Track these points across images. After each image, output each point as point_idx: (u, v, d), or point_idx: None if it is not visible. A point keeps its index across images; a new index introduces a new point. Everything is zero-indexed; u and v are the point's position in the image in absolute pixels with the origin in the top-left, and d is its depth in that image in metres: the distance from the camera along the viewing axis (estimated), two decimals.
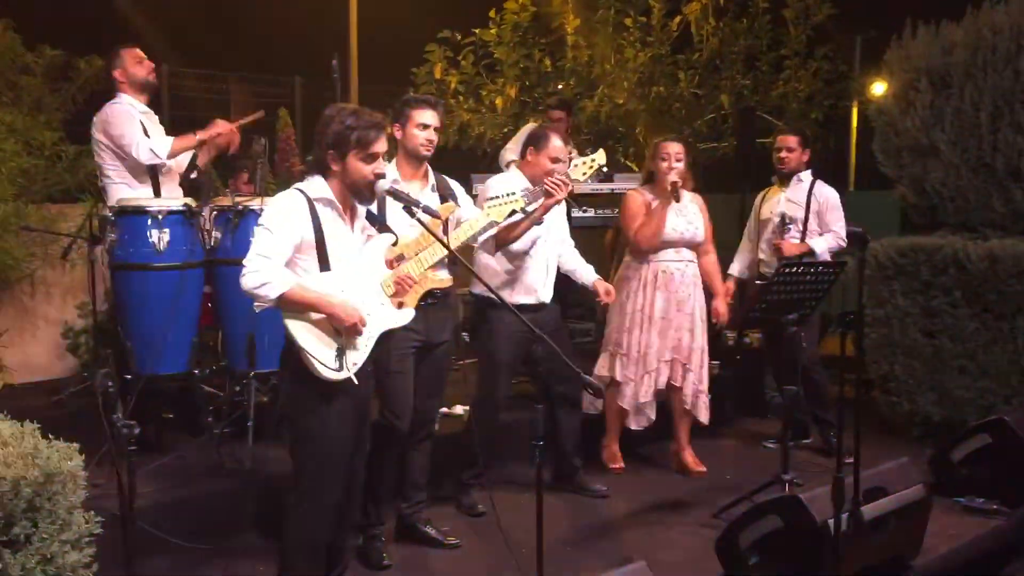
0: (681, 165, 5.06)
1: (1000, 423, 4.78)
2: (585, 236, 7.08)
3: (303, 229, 3.27)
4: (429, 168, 4.14)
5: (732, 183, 8.27)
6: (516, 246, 4.55)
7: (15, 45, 6.64)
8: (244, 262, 3.21)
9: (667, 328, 5.14)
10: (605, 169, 4.60)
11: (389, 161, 4.04)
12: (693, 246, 5.23)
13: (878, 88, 9.25)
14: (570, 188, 4.42)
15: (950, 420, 5.71)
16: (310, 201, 3.30)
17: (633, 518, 4.76)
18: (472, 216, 4.07)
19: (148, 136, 4.81)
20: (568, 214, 6.42)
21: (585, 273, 4.95)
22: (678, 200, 4.97)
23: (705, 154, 8.89)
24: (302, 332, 3.26)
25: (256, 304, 3.26)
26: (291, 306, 3.24)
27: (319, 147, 3.36)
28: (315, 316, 3.27)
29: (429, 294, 3.97)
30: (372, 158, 3.32)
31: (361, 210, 3.51)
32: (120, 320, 4.69)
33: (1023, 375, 5.60)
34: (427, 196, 4.03)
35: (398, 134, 4.03)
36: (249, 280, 3.17)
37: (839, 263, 4.82)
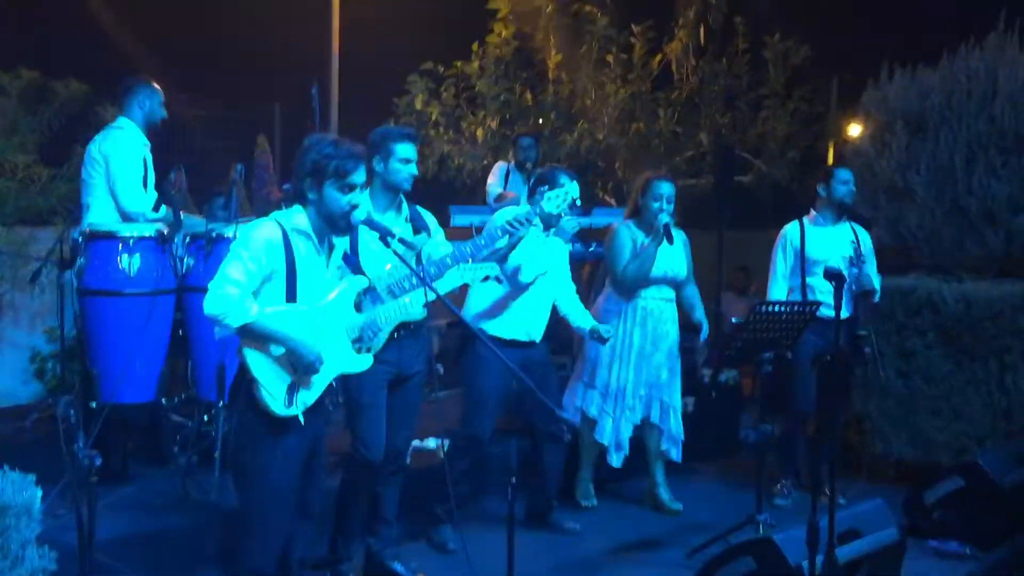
0: (672, 207, 5.05)
1: (974, 466, 4.78)
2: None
3: (275, 260, 3.22)
4: (403, 199, 4.11)
5: (709, 220, 8.31)
6: (520, 277, 4.52)
7: None
8: (210, 285, 3.16)
9: (643, 364, 5.11)
10: (578, 202, 4.56)
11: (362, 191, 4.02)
12: (675, 285, 5.22)
13: (854, 130, 9.36)
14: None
15: (924, 462, 5.70)
16: (285, 232, 3.26)
17: (606, 557, 4.70)
18: (444, 248, 4.02)
19: (147, 175, 4.75)
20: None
21: (581, 320, 4.88)
22: (671, 242, 4.95)
23: (684, 191, 8.92)
24: (259, 363, 3.22)
25: (217, 329, 3.22)
26: (252, 336, 3.20)
27: (296, 175, 3.32)
28: (275, 349, 3.23)
29: (402, 326, 3.92)
30: (349, 188, 3.28)
31: (338, 247, 3.46)
32: (86, 347, 4.61)
33: (997, 417, 5.63)
34: (401, 226, 4.00)
35: (379, 167, 3.98)
36: (213, 305, 3.13)
37: (814, 302, 4.82)
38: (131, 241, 4.46)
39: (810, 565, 3.34)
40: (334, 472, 4.84)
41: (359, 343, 3.49)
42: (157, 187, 5.03)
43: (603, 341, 4.80)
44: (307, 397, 3.31)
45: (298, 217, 3.30)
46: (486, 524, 4.74)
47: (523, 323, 4.67)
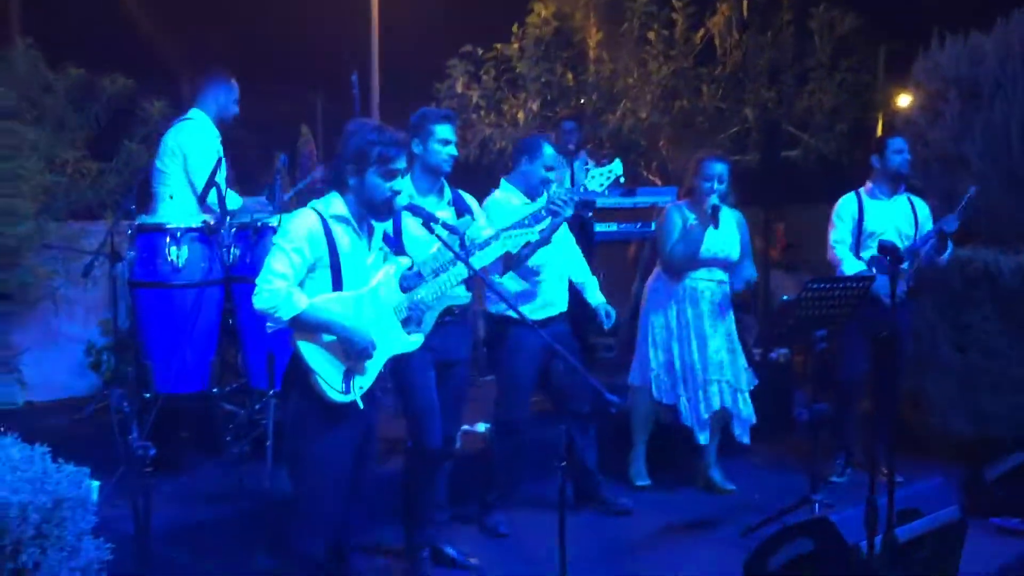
0: (724, 187, 4.97)
1: None
2: (608, 250, 7.03)
3: (318, 249, 3.23)
4: (445, 183, 4.09)
5: (756, 196, 8.18)
6: (530, 263, 4.49)
7: (38, 64, 6.67)
8: (257, 281, 3.19)
9: (704, 346, 5.05)
10: (622, 180, 4.52)
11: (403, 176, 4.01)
12: (726, 266, 5.14)
13: (903, 100, 9.14)
14: (591, 203, 4.36)
15: (983, 437, 5.58)
16: (325, 220, 3.26)
17: (658, 536, 4.69)
18: (487, 232, 3.99)
19: (222, 170, 4.79)
20: (591, 228, 6.34)
21: (592, 293, 4.87)
22: (716, 226, 4.88)
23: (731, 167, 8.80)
24: (312, 353, 3.23)
25: (268, 324, 3.23)
26: (303, 327, 3.21)
27: (339, 161, 3.32)
28: (327, 338, 3.23)
29: (447, 311, 3.91)
30: (391, 175, 3.28)
31: (378, 228, 3.46)
32: (139, 339, 4.66)
33: None
34: (444, 210, 3.99)
35: (418, 149, 3.97)
36: (262, 300, 3.15)
37: (867, 277, 4.72)
38: (178, 233, 4.50)
39: (869, 545, 3.27)
40: (386, 459, 4.89)
41: (408, 324, 3.48)
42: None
43: (608, 320, 4.77)
44: (363, 382, 3.32)
45: (336, 204, 3.30)
46: (535, 508, 4.75)
47: (547, 299, 4.63)
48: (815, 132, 8.67)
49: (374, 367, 3.36)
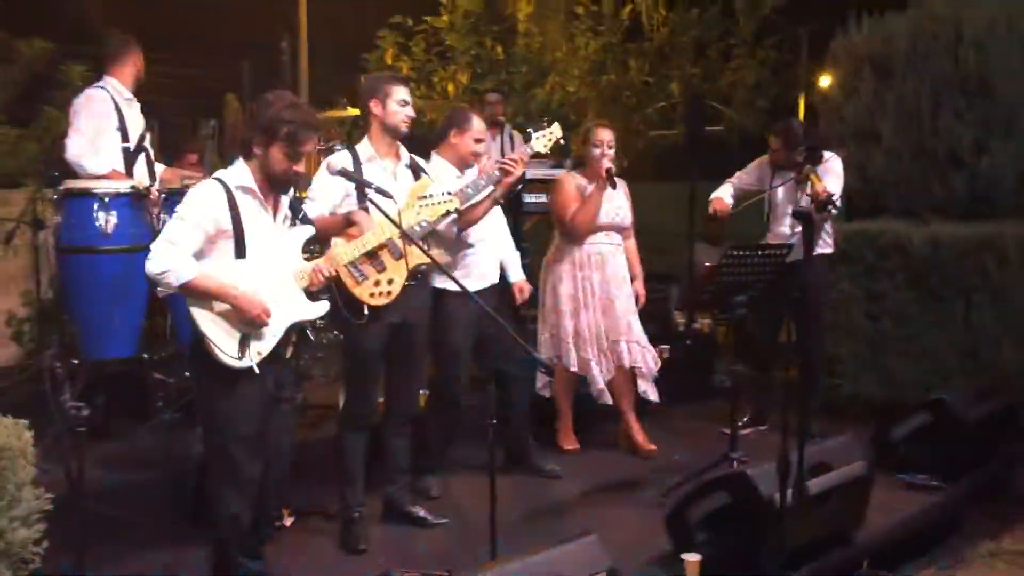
0: (612, 152, 5.14)
1: (940, 403, 4.91)
2: (536, 220, 7.14)
3: (219, 218, 3.28)
4: (401, 145, 4.15)
5: (681, 170, 8.36)
6: (469, 237, 4.58)
7: None
8: (152, 247, 3.24)
9: (610, 308, 5.21)
10: (563, 141, 4.67)
11: (360, 139, 4.10)
12: (621, 231, 5.32)
13: (824, 81, 9.42)
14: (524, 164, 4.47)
15: (892, 401, 5.84)
16: (228, 190, 3.31)
17: (584, 498, 4.82)
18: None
19: (124, 126, 4.77)
20: (520, 199, 6.44)
21: (513, 270, 4.99)
22: (614, 187, 5.06)
23: (655, 142, 8.99)
24: (205, 320, 3.29)
25: (159, 289, 3.30)
26: (194, 294, 3.27)
27: (248, 129, 3.38)
28: (220, 305, 3.29)
29: (411, 274, 3.98)
30: (297, 156, 3.33)
31: (286, 199, 3.50)
32: (66, 304, 4.62)
33: (963, 357, 5.77)
34: (401, 172, 4.07)
35: (377, 110, 4.02)
36: (152, 266, 3.21)
37: (785, 245, 4.91)
38: (107, 198, 4.46)
39: (781, 497, 3.45)
40: (321, 425, 4.95)
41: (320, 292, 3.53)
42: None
43: (522, 296, 4.96)
44: (261, 347, 3.37)
45: (242, 173, 3.36)
46: (467, 471, 4.86)
47: (481, 270, 4.74)
48: (737, 108, 8.90)
49: (273, 333, 3.40)
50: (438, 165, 4.63)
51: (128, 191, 4.55)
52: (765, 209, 5.74)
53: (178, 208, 3.32)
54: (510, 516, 4.32)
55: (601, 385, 5.23)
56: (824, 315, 5.79)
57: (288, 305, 3.43)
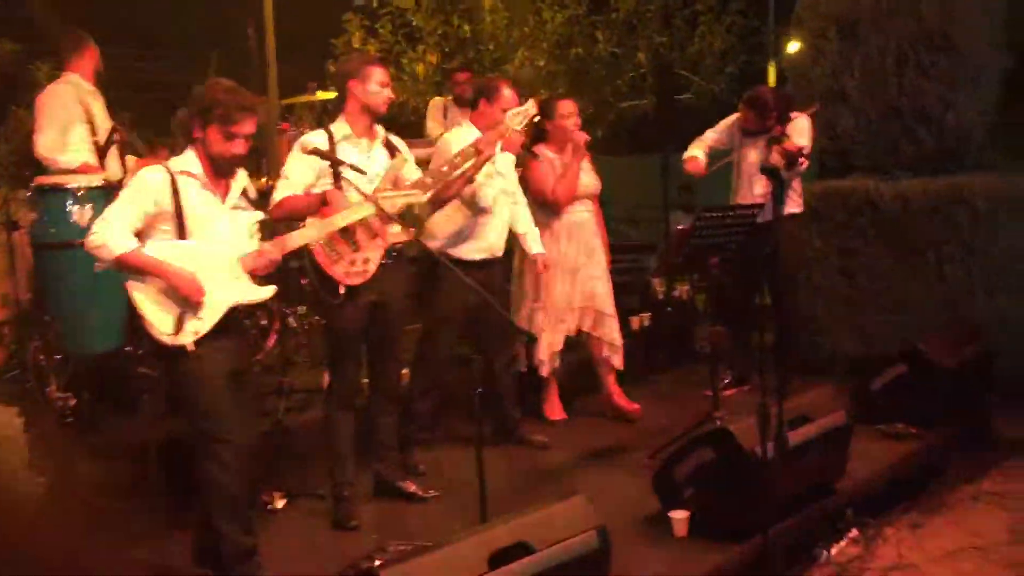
0: (579, 120, 5.22)
1: (915, 351, 5.00)
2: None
3: (159, 200, 3.37)
4: (378, 125, 4.18)
5: (653, 141, 8.42)
6: (481, 203, 4.63)
7: None
8: (94, 224, 3.35)
9: (579, 276, 5.28)
10: (537, 118, 4.70)
11: (335, 118, 4.12)
12: (593, 198, 5.38)
13: (793, 47, 9.48)
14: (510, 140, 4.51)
15: (870, 356, 5.93)
16: (172, 174, 3.40)
17: (573, 464, 4.88)
18: (416, 174, 4.12)
19: (92, 119, 4.76)
20: None
21: (532, 241, 5.06)
22: (588, 156, 5.12)
23: (625, 112, 9.03)
24: (140, 296, 3.37)
25: (96, 264, 3.37)
26: (129, 269, 3.36)
27: (189, 115, 3.46)
28: (158, 282, 3.36)
29: (387, 251, 4.02)
30: (232, 136, 3.40)
31: (238, 184, 3.55)
32: (45, 300, 4.62)
33: (938, 308, 5.87)
34: (378, 151, 4.11)
35: (357, 90, 4.06)
36: (89, 240, 3.33)
37: (755, 205, 4.97)
38: (80, 192, 4.46)
39: (763, 449, 3.52)
40: (307, 409, 4.98)
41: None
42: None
43: (545, 271, 5.04)
44: (199, 326, 3.41)
45: (188, 158, 3.45)
46: (453, 444, 4.92)
47: (487, 241, 4.80)
48: (706, 75, 8.94)
49: (212, 313, 3.44)
50: (469, 132, 4.67)
51: (101, 184, 4.55)
52: (733, 174, 5.81)
53: (121, 190, 3.44)
54: (499, 486, 4.36)
55: (542, 356, 5.29)
56: (797, 275, 5.88)
57: (230, 286, 3.49)
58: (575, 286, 5.29)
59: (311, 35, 8.62)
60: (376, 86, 4.07)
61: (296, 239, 3.66)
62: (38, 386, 2.76)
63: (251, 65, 5.75)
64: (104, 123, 4.95)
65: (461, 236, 4.74)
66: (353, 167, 3.53)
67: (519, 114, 4.52)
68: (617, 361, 5.43)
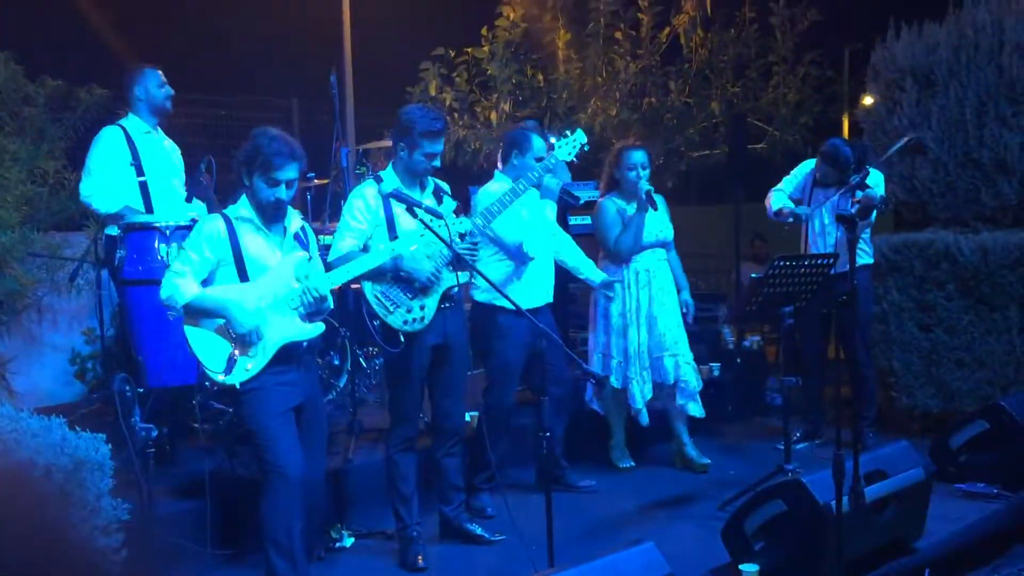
0: (648, 173, 5.20)
1: (998, 408, 4.87)
2: (583, 243, 7.20)
3: (220, 249, 3.56)
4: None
5: (725, 191, 8.37)
6: (528, 252, 4.66)
7: (17, 76, 6.74)
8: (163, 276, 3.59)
9: (654, 326, 5.25)
10: (587, 148, 4.74)
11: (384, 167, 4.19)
12: (664, 245, 5.37)
13: (868, 100, 9.40)
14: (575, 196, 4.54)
15: (948, 413, 5.79)
16: (229, 221, 3.58)
17: (640, 513, 4.85)
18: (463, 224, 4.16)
19: (139, 160, 4.96)
20: (567, 213, 6.46)
21: (589, 272, 5.10)
22: (655, 208, 5.13)
23: (698, 162, 9.01)
24: (196, 337, 3.56)
25: (170, 313, 3.61)
26: (193, 313, 3.55)
27: (238, 163, 3.64)
28: (211, 323, 3.54)
29: (446, 297, 4.07)
30: (274, 182, 3.54)
31: (293, 224, 3.68)
32: (130, 336, 4.76)
33: (1019, 365, 5.71)
34: (427, 199, 4.14)
35: (403, 153, 4.08)
36: (162, 291, 3.56)
37: (831, 255, 4.91)
38: (167, 231, 4.61)
39: (837, 503, 3.44)
40: (376, 448, 5.03)
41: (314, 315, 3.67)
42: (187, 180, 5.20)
43: (610, 290, 5.08)
44: (252, 364, 3.53)
45: (241, 205, 3.63)
46: (515, 489, 4.91)
47: (535, 288, 4.81)
48: (780, 125, 8.90)
49: (264, 351, 3.56)
50: (500, 183, 4.73)
51: (187, 223, 4.70)
52: (805, 224, 5.80)
53: (184, 242, 3.67)
54: (566, 532, 4.35)
55: (639, 405, 5.25)
56: (869, 326, 5.80)
57: (283, 324, 3.60)
58: (652, 336, 5.26)
59: (388, 82, 8.82)
60: (423, 157, 4.04)
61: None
62: (122, 417, 2.86)
63: (331, 111, 5.90)
64: (157, 163, 5.08)
65: (507, 285, 4.70)
66: (429, 210, 3.60)
67: (568, 145, 4.58)
68: (696, 410, 5.35)
